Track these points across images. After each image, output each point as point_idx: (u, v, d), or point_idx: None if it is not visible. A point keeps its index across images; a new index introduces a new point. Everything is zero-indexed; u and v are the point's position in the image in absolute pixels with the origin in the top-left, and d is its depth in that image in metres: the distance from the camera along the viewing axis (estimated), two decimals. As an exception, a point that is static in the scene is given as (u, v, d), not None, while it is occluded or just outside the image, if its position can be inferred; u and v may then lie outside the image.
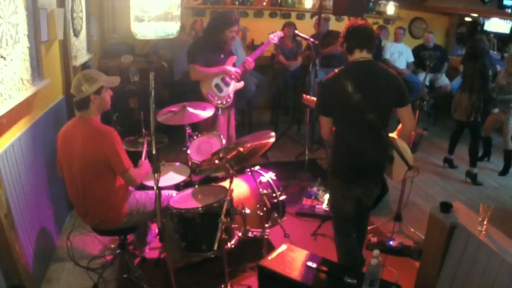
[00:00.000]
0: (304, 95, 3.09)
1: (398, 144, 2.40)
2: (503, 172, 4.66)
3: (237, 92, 3.69)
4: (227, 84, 3.55)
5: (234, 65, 3.60)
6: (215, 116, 3.47)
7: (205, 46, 3.48)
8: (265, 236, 2.66)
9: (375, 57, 2.46)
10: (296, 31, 5.11)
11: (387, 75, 2.31)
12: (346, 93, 2.21)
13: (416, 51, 6.29)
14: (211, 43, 3.47)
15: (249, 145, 2.58)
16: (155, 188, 2.03)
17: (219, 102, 3.51)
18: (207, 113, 3.18)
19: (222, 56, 3.54)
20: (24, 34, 2.47)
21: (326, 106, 2.37)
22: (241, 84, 3.68)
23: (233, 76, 3.52)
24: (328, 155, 4.07)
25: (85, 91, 2.34)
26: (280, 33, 3.79)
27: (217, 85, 3.51)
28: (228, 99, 3.59)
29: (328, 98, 2.35)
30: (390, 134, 2.43)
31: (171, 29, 1.87)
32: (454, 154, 4.85)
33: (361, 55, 2.30)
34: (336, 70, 2.33)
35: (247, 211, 2.60)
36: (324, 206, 3.66)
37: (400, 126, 2.45)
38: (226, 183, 2.69)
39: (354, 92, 2.20)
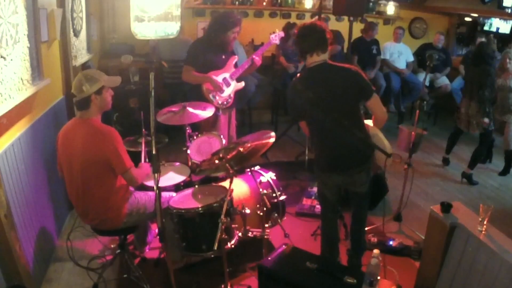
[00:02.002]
0: None
1: (372, 134, 2.48)
2: (503, 172, 4.66)
3: (238, 93, 3.68)
4: (228, 85, 3.55)
5: (236, 65, 3.60)
6: (216, 117, 3.47)
7: (207, 47, 3.47)
8: (265, 236, 2.66)
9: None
10: (296, 31, 5.10)
11: (343, 73, 2.34)
12: (305, 100, 2.31)
13: (421, 49, 6.25)
14: (213, 44, 3.46)
15: (249, 145, 2.58)
16: (155, 188, 2.03)
17: (220, 102, 3.51)
18: (207, 113, 3.18)
19: (223, 56, 3.53)
20: (24, 34, 2.47)
21: (296, 112, 2.52)
22: (241, 84, 3.67)
23: (214, 87, 3.46)
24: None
25: (86, 91, 2.34)
26: (281, 33, 3.77)
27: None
28: (229, 100, 3.58)
29: (294, 105, 2.48)
30: (366, 121, 2.51)
31: (171, 29, 1.88)
32: (451, 154, 4.88)
33: (312, 59, 2.35)
34: (293, 79, 2.44)
35: (247, 211, 2.60)
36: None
37: (373, 118, 2.54)
38: (226, 183, 2.69)
39: (312, 98, 2.27)
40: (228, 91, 3.56)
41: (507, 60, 4.30)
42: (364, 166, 2.48)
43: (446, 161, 4.91)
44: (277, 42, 3.71)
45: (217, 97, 3.50)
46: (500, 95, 4.38)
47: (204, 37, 3.69)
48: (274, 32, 3.71)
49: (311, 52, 2.33)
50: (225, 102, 3.55)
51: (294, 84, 2.41)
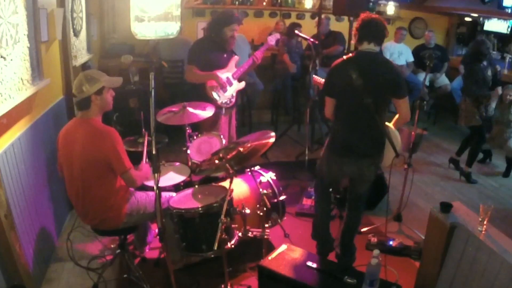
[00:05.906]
0: (314, 76, 3.30)
1: (390, 131, 2.63)
2: (506, 174, 4.65)
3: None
4: (230, 84, 3.55)
5: (236, 66, 3.61)
6: (217, 116, 3.47)
7: (207, 46, 3.48)
8: (265, 236, 2.65)
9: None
10: (296, 31, 5.12)
11: (388, 67, 2.53)
12: (349, 78, 2.43)
13: (416, 51, 6.28)
14: (213, 42, 3.48)
15: (249, 145, 2.58)
16: (155, 188, 2.03)
17: (223, 101, 3.52)
18: (207, 113, 3.18)
19: (224, 55, 3.54)
20: (24, 34, 2.47)
21: (331, 88, 2.63)
22: (242, 84, 3.68)
23: (219, 84, 3.48)
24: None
25: (86, 91, 2.34)
26: (277, 35, 3.83)
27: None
28: (232, 99, 3.60)
29: (333, 81, 2.60)
30: (386, 123, 2.63)
31: (171, 29, 1.89)
32: (450, 153, 4.86)
33: (368, 46, 2.52)
34: (344, 57, 2.57)
35: (247, 211, 2.60)
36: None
37: (397, 116, 2.67)
38: (226, 183, 2.69)
39: (356, 78, 2.42)
40: (231, 91, 3.57)
41: (507, 97, 4.26)
42: (376, 158, 2.60)
43: (456, 163, 4.67)
44: (273, 43, 3.77)
45: (220, 96, 3.50)
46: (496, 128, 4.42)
47: (205, 37, 3.72)
48: (271, 34, 3.76)
49: (368, 40, 2.51)
50: (227, 102, 3.56)
51: (342, 61, 2.54)
